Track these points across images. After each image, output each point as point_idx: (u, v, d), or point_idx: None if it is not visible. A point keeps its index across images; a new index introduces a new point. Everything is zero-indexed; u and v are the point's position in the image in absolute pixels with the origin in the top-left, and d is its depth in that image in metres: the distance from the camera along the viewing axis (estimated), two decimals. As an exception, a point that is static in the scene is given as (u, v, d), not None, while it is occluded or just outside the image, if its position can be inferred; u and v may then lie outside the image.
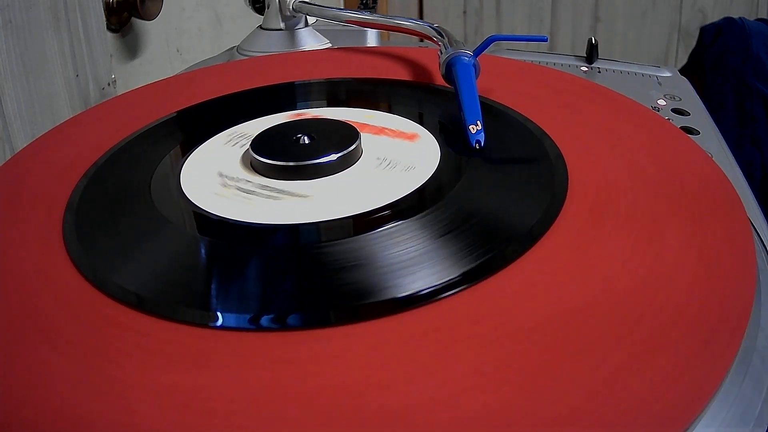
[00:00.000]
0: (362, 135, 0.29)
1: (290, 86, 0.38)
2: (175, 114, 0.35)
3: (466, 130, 0.29)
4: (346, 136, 0.29)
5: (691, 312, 0.20)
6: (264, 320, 0.20)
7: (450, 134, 0.31)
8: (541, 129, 0.30)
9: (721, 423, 0.17)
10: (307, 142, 0.29)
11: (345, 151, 0.28)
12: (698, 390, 0.17)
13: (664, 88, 0.47)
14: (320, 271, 0.22)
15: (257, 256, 0.24)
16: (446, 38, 0.37)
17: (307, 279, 0.22)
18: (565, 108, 0.33)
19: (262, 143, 0.29)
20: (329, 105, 0.36)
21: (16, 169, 0.32)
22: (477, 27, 1.35)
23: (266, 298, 0.22)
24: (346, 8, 0.63)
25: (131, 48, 0.63)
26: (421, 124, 0.32)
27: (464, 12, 1.35)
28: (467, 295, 0.21)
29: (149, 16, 0.58)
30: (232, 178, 0.28)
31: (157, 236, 0.25)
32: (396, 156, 0.29)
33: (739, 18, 0.98)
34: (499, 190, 0.26)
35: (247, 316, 0.21)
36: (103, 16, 0.54)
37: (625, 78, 0.49)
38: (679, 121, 0.41)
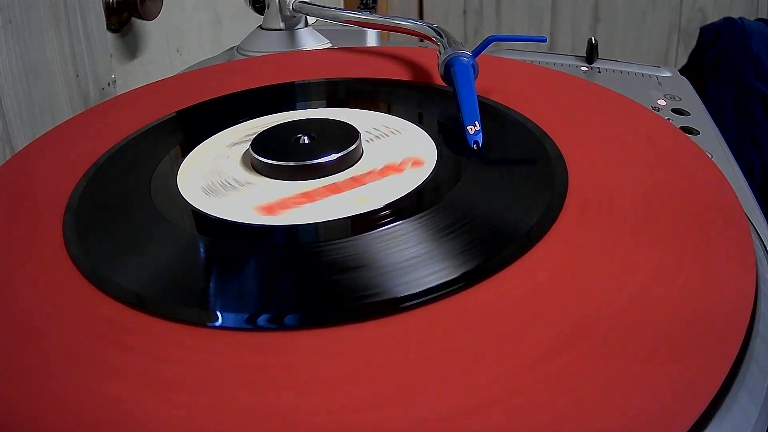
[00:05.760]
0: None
1: (290, 86, 0.38)
2: (174, 114, 0.35)
3: (464, 131, 0.29)
4: (346, 136, 0.29)
5: (690, 317, 0.20)
6: (262, 320, 0.20)
7: (449, 134, 0.31)
8: (541, 129, 0.30)
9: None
10: (307, 142, 0.29)
11: (345, 151, 0.28)
12: (699, 392, 0.18)
13: (664, 88, 0.47)
14: (319, 271, 0.22)
15: (256, 256, 0.24)
16: (445, 38, 0.37)
17: (306, 279, 0.22)
18: (565, 108, 0.33)
19: (262, 143, 0.29)
20: (329, 105, 0.36)
21: (16, 169, 0.32)
22: (477, 27, 1.35)
23: (265, 297, 0.22)
24: (346, 8, 0.63)
25: (131, 48, 0.63)
26: (420, 124, 0.32)
27: (464, 12, 1.35)
28: (466, 295, 0.21)
29: (149, 16, 0.58)
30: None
31: (157, 236, 0.25)
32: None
33: (739, 18, 0.98)
34: (498, 190, 0.26)
35: (246, 316, 0.21)
36: (103, 16, 0.54)
37: (625, 78, 0.49)
38: (679, 121, 0.41)
